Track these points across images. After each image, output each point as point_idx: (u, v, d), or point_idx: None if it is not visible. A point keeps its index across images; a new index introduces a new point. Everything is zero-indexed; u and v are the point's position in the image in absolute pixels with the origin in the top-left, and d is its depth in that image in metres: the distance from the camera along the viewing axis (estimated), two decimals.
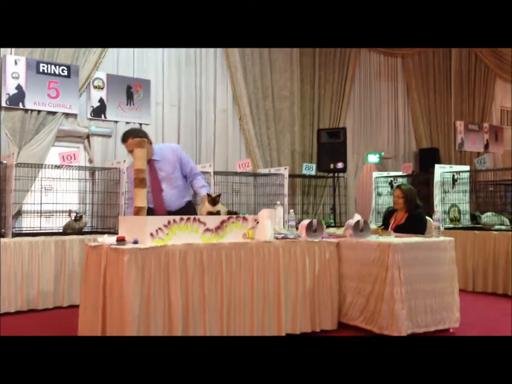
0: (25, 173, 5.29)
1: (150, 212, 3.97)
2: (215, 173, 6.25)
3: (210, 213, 3.80)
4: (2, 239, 4.65)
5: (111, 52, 6.40)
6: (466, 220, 6.77)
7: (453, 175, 6.78)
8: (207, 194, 3.90)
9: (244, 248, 3.59)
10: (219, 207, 3.86)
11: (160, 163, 4.18)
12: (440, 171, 6.70)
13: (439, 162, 8.22)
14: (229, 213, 3.88)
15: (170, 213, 4.14)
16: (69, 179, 5.46)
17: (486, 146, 10.51)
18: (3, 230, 4.86)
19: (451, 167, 7.01)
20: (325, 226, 4.23)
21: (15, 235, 4.82)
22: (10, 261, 4.64)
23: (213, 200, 3.84)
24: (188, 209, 4.25)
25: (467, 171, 6.95)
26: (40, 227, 5.21)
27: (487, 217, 6.20)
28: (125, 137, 4.20)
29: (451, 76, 9.98)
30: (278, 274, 3.71)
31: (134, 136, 4.04)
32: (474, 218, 6.78)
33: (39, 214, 5.22)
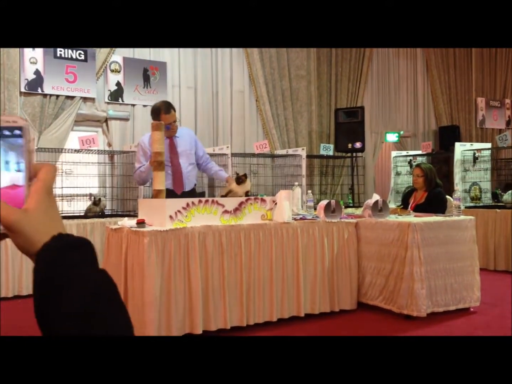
0: (46, 158, 5.36)
1: (167, 193, 4.00)
2: (233, 154, 6.25)
3: (231, 194, 3.83)
4: None
5: None
6: (487, 199, 6.68)
7: (474, 153, 6.67)
8: (236, 173, 4.04)
9: (263, 229, 3.60)
10: (248, 186, 3.88)
11: (179, 140, 4.21)
12: (461, 149, 6.59)
13: (459, 140, 8.09)
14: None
15: (184, 193, 4.18)
16: (89, 163, 5.53)
17: (508, 123, 10.28)
18: None
19: (471, 145, 6.90)
20: (343, 207, 4.22)
21: None
22: None
23: (239, 179, 3.85)
24: (196, 192, 4.34)
25: (488, 149, 6.83)
26: (61, 210, 5.30)
27: (508, 195, 6.11)
28: (170, 108, 4.09)
29: (472, 51, 9.75)
30: (296, 255, 3.73)
31: (174, 110, 4.08)
32: (495, 196, 6.69)
33: (60, 198, 5.30)
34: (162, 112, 4.03)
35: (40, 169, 0.59)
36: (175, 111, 4.14)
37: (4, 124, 0.57)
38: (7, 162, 0.57)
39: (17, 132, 0.58)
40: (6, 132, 0.57)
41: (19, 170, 0.58)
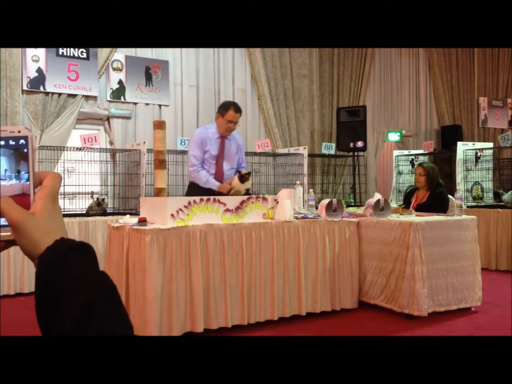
0: (48, 156, 5.37)
1: (205, 190, 4.03)
2: None
3: (232, 191, 3.83)
4: None
5: None
6: (489, 198, 6.67)
7: (476, 153, 6.66)
8: (238, 171, 4.05)
9: (264, 228, 3.60)
10: (248, 184, 3.88)
11: (230, 142, 4.31)
12: (463, 148, 6.58)
13: (461, 140, 8.08)
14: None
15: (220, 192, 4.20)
16: (91, 161, 5.53)
17: (510, 122, 10.26)
18: None
19: (474, 144, 6.88)
20: (345, 206, 4.21)
21: None
22: None
23: (242, 177, 3.85)
24: None
25: (490, 148, 6.82)
26: (63, 208, 5.30)
27: (510, 194, 6.10)
28: (240, 110, 4.23)
29: (474, 50, 9.73)
30: (298, 253, 3.73)
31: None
32: (497, 196, 6.68)
33: (62, 196, 5.31)
34: (231, 108, 4.14)
35: (45, 176, 0.61)
36: (241, 115, 4.28)
37: (9, 134, 0.59)
38: (18, 172, 0.59)
39: (22, 142, 0.59)
40: (12, 142, 0.59)
41: (28, 180, 0.59)
